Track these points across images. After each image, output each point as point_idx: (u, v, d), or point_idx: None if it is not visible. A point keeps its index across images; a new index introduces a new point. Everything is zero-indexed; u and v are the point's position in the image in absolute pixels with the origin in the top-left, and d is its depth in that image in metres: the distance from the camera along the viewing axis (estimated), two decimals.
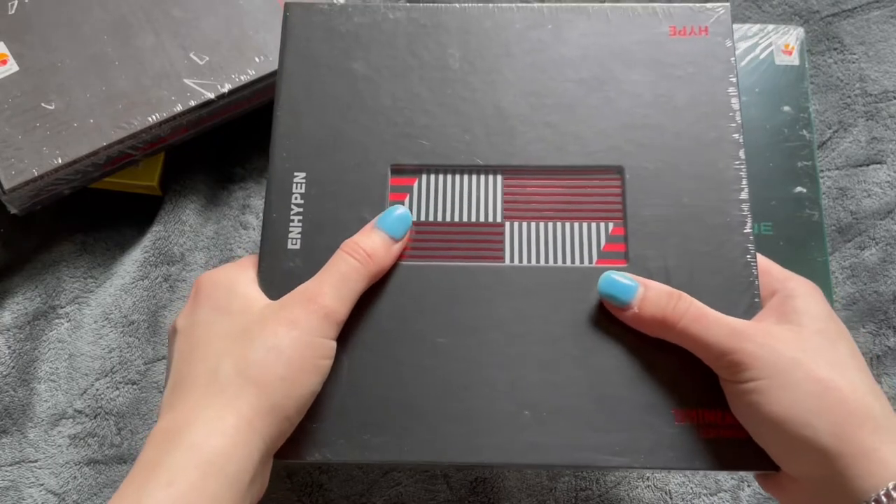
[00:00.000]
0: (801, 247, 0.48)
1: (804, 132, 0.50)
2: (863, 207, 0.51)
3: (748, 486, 0.46)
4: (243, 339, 0.31)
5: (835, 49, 0.56)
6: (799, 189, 0.49)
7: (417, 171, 0.36)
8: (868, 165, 0.53)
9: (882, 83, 0.54)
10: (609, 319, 0.34)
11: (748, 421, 0.31)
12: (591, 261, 0.35)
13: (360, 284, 0.33)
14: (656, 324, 0.32)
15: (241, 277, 0.34)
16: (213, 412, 0.29)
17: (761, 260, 0.35)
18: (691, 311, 0.32)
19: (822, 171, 0.52)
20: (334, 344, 0.32)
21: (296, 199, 0.36)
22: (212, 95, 0.47)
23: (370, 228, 0.34)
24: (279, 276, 0.34)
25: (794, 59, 0.52)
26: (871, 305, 0.49)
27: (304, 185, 0.36)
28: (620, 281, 0.33)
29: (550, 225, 0.36)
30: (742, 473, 0.46)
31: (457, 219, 0.36)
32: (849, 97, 0.54)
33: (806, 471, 0.30)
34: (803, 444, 0.29)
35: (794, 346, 0.31)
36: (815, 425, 0.29)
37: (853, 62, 0.55)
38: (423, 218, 0.36)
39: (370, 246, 0.33)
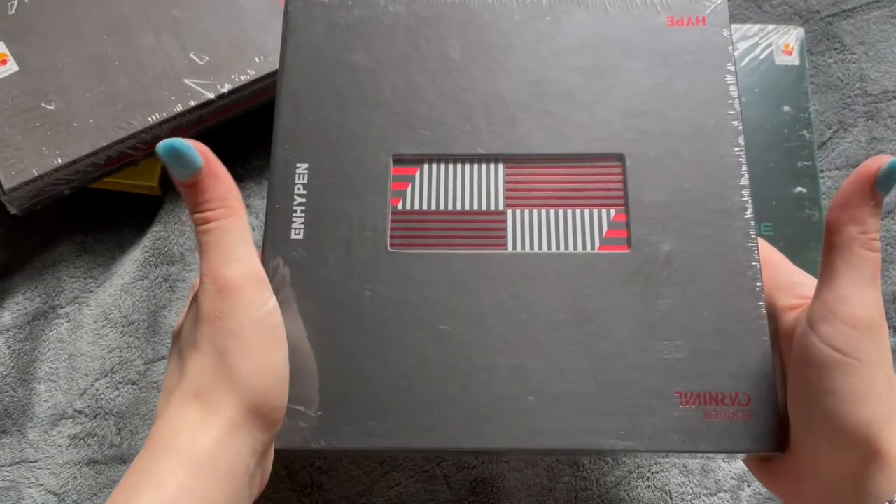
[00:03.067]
0: (801, 247, 0.48)
1: (804, 132, 0.50)
2: None
3: (748, 486, 0.46)
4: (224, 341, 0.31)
5: (835, 49, 0.56)
6: (799, 189, 0.49)
7: (419, 160, 0.37)
8: None
9: (882, 83, 0.54)
10: (612, 305, 0.34)
11: (814, 388, 0.30)
12: (593, 247, 0.35)
13: (232, 232, 0.31)
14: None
15: None
16: (196, 415, 0.29)
17: (773, 254, 0.35)
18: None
19: (822, 171, 0.52)
20: (273, 304, 0.31)
21: (298, 189, 0.36)
22: (212, 95, 0.47)
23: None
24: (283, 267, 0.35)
25: (794, 59, 0.52)
26: None
27: (306, 176, 0.36)
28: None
29: (552, 212, 0.36)
30: (742, 473, 0.46)
31: (459, 207, 0.36)
32: (849, 97, 0.54)
33: (831, 462, 0.30)
34: (854, 438, 0.28)
35: (882, 339, 0.30)
36: (876, 427, 0.28)
37: (853, 62, 0.55)
38: (425, 207, 0.36)
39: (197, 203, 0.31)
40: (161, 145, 0.30)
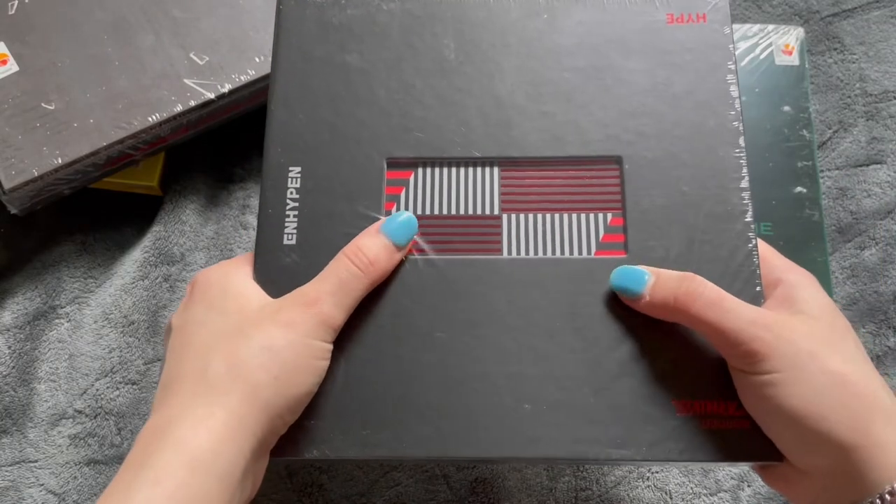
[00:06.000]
0: (801, 247, 0.48)
1: (804, 132, 0.50)
2: (863, 207, 0.51)
3: (748, 486, 0.46)
4: (237, 337, 0.31)
5: (835, 49, 0.56)
6: (799, 189, 0.49)
7: (413, 164, 0.36)
8: (868, 165, 0.53)
9: (882, 83, 0.54)
10: (609, 311, 0.34)
11: (761, 413, 0.31)
12: (589, 252, 0.35)
13: (360, 292, 0.33)
14: (669, 307, 0.32)
15: (237, 275, 0.34)
16: (202, 409, 0.29)
17: (762, 248, 0.35)
18: (706, 294, 0.31)
19: (822, 171, 0.52)
20: (331, 346, 0.32)
21: (291, 193, 0.35)
22: (212, 95, 0.47)
23: (374, 232, 0.34)
24: (276, 272, 0.34)
25: (794, 59, 0.52)
26: (871, 305, 0.49)
27: (299, 180, 0.36)
28: (630, 272, 0.33)
29: (548, 216, 0.35)
30: (742, 473, 0.46)
31: (454, 212, 0.36)
32: (849, 97, 0.54)
33: (818, 463, 0.30)
34: (820, 437, 0.29)
35: (810, 338, 0.30)
36: (833, 419, 0.29)
37: (853, 62, 0.55)
38: (419, 211, 0.36)
39: (373, 252, 0.33)
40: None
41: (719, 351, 0.32)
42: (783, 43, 0.52)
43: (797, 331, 0.31)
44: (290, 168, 0.36)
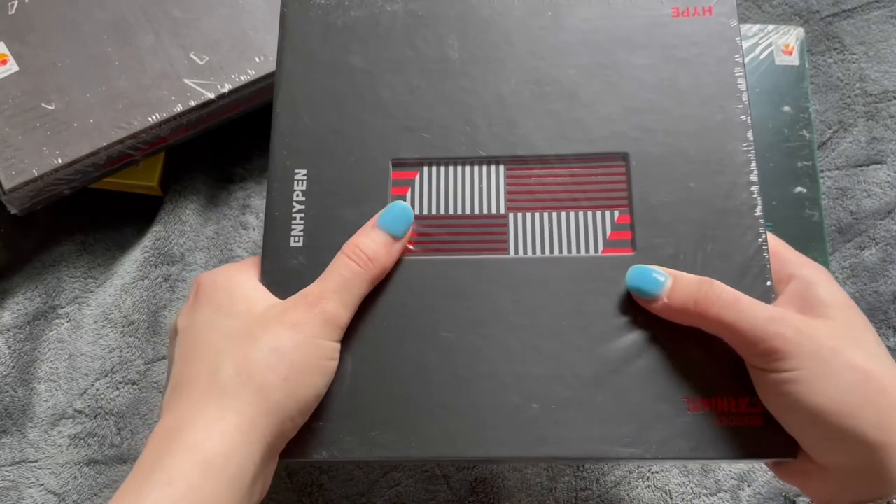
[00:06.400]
0: (802, 247, 0.48)
1: (804, 132, 0.50)
2: (863, 207, 0.51)
3: (748, 486, 0.46)
4: (245, 340, 0.31)
5: (835, 49, 0.56)
6: (799, 189, 0.49)
7: (419, 164, 0.36)
8: (868, 165, 0.53)
9: (882, 83, 0.54)
10: (616, 309, 0.33)
11: (781, 410, 0.31)
12: (597, 250, 0.35)
13: (363, 289, 0.33)
14: (688, 312, 0.32)
15: (242, 278, 0.34)
16: (214, 412, 0.29)
17: (773, 243, 0.34)
18: (724, 296, 0.31)
19: (822, 171, 0.52)
20: (338, 346, 0.32)
21: (297, 196, 0.36)
22: (212, 95, 0.47)
23: (371, 227, 0.34)
24: (283, 274, 0.34)
25: (794, 59, 0.52)
26: (871, 305, 0.49)
27: (305, 182, 0.36)
28: (648, 273, 0.33)
29: (555, 215, 0.35)
30: (742, 473, 0.46)
31: (460, 211, 0.36)
32: (849, 97, 0.54)
33: (840, 460, 0.30)
34: (844, 434, 0.29)
35: (831, 334, 0.30)
36: (859, 416, 0.29)
37: (853, 62, 0.55)
38: (425, 211, 0.36)
39: (371, 249, 0.33)
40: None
41: (737, 351, 0.32)
42: (783, 43, 0.52)
43: (818, 327, 0.30)
44: (296, 170, 0.36)
